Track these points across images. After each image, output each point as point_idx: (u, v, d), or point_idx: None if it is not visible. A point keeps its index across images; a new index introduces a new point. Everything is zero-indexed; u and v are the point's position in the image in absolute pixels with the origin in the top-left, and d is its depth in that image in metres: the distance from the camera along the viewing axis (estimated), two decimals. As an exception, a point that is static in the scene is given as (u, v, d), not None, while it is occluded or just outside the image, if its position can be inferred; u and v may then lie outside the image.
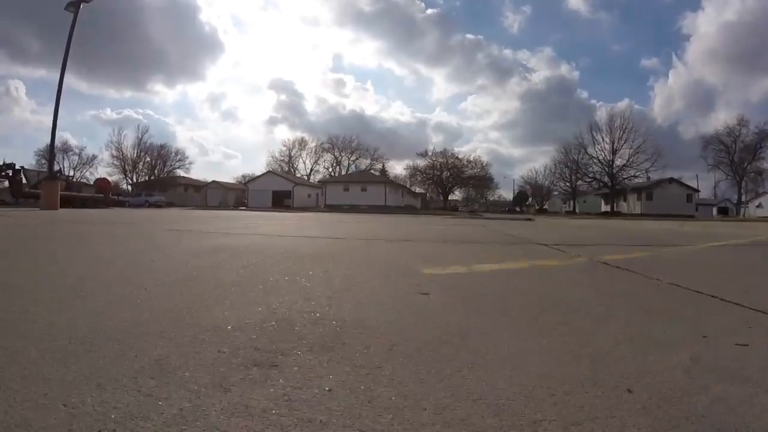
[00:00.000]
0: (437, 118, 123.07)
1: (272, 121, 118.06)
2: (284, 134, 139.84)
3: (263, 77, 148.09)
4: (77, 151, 64.59)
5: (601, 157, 54.23)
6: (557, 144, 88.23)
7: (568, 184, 60.75)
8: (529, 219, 21.38)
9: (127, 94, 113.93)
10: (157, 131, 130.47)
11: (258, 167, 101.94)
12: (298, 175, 71.78)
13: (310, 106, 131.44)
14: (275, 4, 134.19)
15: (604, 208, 56.15)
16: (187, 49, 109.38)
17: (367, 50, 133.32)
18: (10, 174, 29.72)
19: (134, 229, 6.66)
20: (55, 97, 17.96)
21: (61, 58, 17.77)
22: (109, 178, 56.37)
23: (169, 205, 42.70)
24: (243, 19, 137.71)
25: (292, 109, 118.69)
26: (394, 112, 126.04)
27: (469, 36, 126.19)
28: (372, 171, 68.85)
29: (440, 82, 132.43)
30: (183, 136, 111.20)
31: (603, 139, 54.04)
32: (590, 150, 55.15)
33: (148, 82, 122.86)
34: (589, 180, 56.48)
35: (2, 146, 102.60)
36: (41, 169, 38.03)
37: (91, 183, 45.82)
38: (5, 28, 78.82)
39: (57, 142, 62.33)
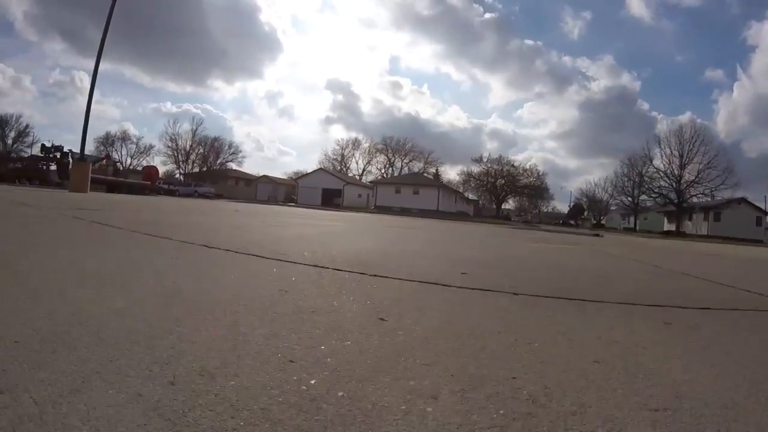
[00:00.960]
0: (493, 124, 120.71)
1: (328, 121, 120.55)
2: (339, 134, 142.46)
3: (320, 77, 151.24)
4: (135, 140, 69.56)
5: (668, 171, 51.05)
6: (620, 155, 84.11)
7: (630, 198, 57.69)
8: (597, 235, 20.54)
9: (187, 89, 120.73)
10: (216, 126, 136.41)
11: (311, 165, 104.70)
12: (350, 175, 72.88)
13: (366, 107, 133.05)
14: (332, 6, 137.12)
15: (667, 226, 52.90)
16: (247, 47, 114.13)
17: (425, 53, 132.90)
18: (58, 156, 31.57)
19: (83, 224, 4.59)
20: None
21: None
22: (162, 168, 59.94)
23: (218, 196, 42.56)
24: (301, 20, 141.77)
25: (348, 109, 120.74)
26: (450, 117, 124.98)
27: (528, 41, 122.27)
28: (425, 174, 68.39)
29: (497, 88, 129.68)
30: (240, 132, 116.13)
31: (671, 152, 50.86)
32: (656, 162, 52.15)
33: (208, 78, 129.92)
34: (655, 195, 53.06)
35: (67, 133, 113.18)
36: (90, 153, 37.25)
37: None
38: (73, 22, 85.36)
39: (116, 132, 67.80)
